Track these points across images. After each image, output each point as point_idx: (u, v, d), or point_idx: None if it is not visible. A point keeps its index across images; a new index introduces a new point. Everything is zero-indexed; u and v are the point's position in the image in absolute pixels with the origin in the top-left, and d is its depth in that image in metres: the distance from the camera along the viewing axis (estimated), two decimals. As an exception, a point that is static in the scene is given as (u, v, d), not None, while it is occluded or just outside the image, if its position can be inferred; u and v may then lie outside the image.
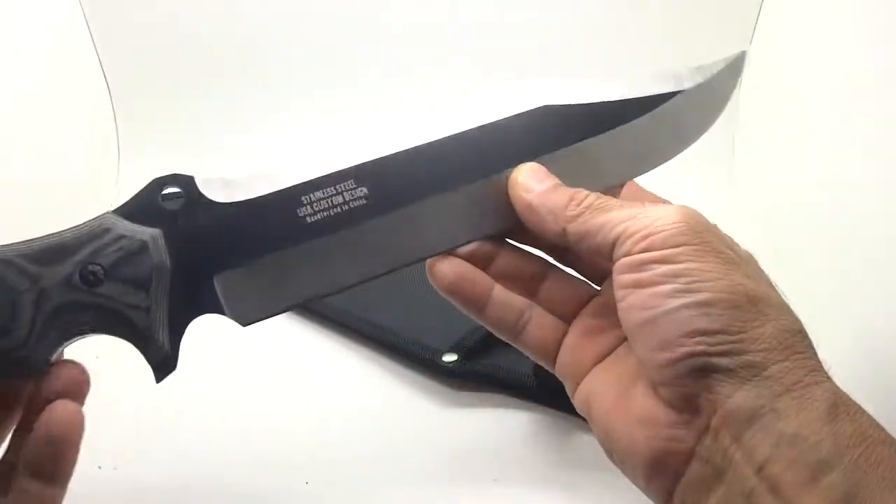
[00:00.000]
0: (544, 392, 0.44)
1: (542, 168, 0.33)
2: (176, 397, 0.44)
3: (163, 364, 0.30)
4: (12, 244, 0.28)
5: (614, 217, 0.29)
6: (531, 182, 0.32)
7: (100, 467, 0.39)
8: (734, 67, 0.38)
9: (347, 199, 0.31)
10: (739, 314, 0.26)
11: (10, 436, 0.28)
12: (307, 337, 0.50)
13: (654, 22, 0.67)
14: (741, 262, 0.28)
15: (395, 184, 0.32)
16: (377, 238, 0.32)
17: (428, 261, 0.33)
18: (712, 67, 0.38)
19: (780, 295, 0.28)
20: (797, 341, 0.27)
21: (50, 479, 0.26)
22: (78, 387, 0.28)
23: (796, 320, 0.28)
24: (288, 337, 0.50)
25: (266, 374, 0.46)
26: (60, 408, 0.26)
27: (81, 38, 0.66)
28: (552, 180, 0.32)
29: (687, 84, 0.36)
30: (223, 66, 0.69)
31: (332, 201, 0.31)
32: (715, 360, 0.26)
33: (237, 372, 0.47)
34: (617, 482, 0.38)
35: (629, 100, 0.35)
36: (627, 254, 0.28)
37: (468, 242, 0.34)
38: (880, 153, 0.44)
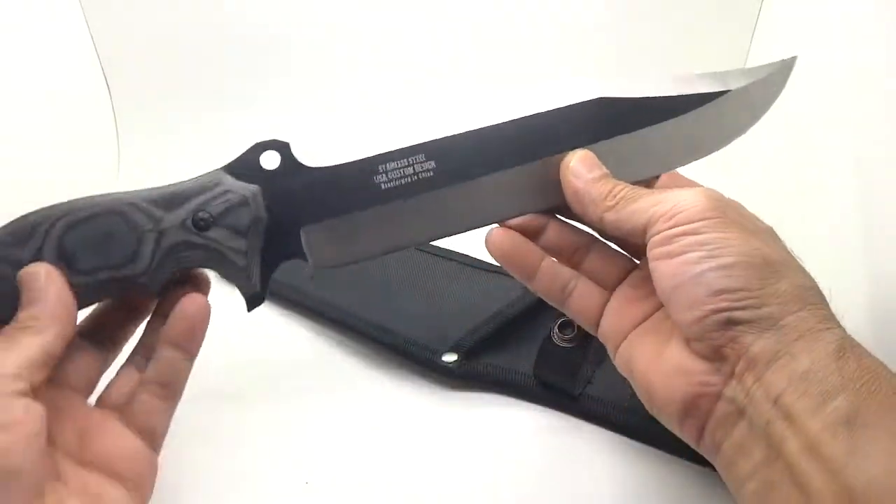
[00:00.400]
0: (544, 392, 0.44)
1: (593, 156, 0.36)
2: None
3: (253, 298, 0.36)
4: (138, 190, 0.34)
5: (644, 203, 0.33)
6: (581, 168, 0.36)
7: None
8: (783, 71, 0.41)
9: (417, 171, 0.36)
10: (757, 273, 0.30)
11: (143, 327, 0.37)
12: (307, 337, 0.50)
13: (654, 20, 0.67)
14: (759, 231, 0.32)
15: (459, 160, 0.37)
16: (441, 206, 0.37)
17: (486, 233, 0.38)
18: (761, 71, 0.40)
19: (795, 259, 0.32)
20: (811, 295, 0.30)
21: (184, 350, 0.34)
22: (204, 286, 0.36)
23: (810, 278, 0.31)
24: (288, 337, 0.50)
25: (266, 374, 0.47)
26: (194, 297, 0.34)
27: (81, 37, 0.66)
28: (600, 170, 0.36)
29: (734, 85, 0.39)
30: (223, 65, 0.69)
31: (404, 171, 0.36)
32: (737, 314, 0.30)
33: (237, 372, 0.47)
34: (616, 482, 0.39)
35: (679, 96, 0.38)
36: (658, 232, 0.32)
37: (520, 215, 0.38)
38: (881, 152, 0.44)
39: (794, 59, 0.41)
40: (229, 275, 0.35)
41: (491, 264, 0.55)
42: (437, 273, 0.54)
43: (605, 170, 0.36)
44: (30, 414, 0.28)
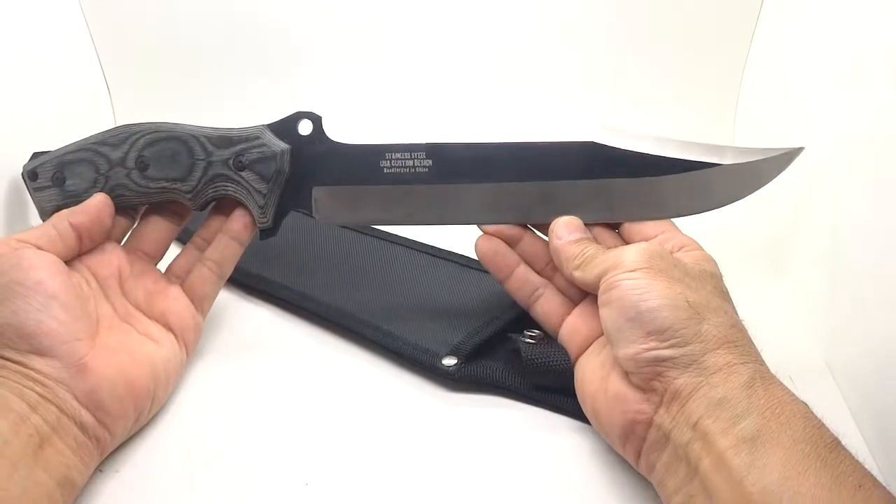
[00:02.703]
0: (544, 394, 0.44)
1: (577, 221, 0.43)
2: (176, 400, 0.44)
3: (266, 232, 0.45)
4: (204, 127, 0.44)
5: (599, 260, 0.39)
6: (563, 230, 0.42)
7: (101, 470, 0.39)
8: (785, 159, 0.43)
9: (416, 165, 0.43)
10: (680, 315, 0.35)
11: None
12: (307, 339, 0.50)
13: (654, 19, 0.67)
14: (687, 279, 0.37)
15: (454, 164, 0.43)
16: (429, 199, 0.43)
17: (477, 239, 0.45)
18: (761, 153, 0.43)
19: (722, 300, 0.37)
20: (731, 334, 0.35)
21: (237, 240, 0.45)
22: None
23: (732, 317, 0.36)
24: (288, 339, 0.50)
25: (266, 376, 0.47)
26: (244, 211, 0.45)
27: (81, 35, 0.66)
28: (577, 234, 0.42)
29: (728, 160, 0.42)
30: (224, 63, 0.69)
31: (404, 163, 0.43)
32: (663, 352, 0.35)
33: (237, 374, 0.47)
34: (614, 482, 0.39)
35: (668, 158, 0.42)
36: (604, 282, 0.38)
37: (496, 223, 0.44)
38: (882, 154, 0.44)
39: (800, 149, 0.43)
40: (251, 208, 0.44)
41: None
42: (437, 275, 0.54)
43: (584, 234, 0.42)
44: (37, 257, 0.37)
